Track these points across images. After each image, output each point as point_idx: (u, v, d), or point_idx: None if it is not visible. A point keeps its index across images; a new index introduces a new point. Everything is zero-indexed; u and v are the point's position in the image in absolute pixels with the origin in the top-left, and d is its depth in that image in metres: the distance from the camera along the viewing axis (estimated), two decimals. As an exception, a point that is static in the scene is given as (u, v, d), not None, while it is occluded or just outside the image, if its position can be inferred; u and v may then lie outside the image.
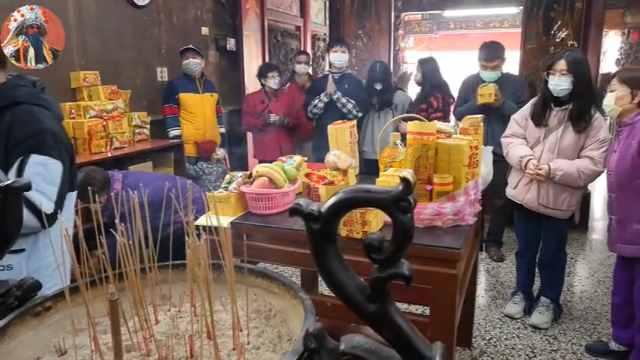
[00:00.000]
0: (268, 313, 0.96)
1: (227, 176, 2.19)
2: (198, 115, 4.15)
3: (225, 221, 1.93)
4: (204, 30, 4.71)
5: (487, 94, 3.67)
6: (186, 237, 0.83)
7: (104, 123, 3.37)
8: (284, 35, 5.80)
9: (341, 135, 2.56)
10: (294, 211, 0.67)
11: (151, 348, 0.81)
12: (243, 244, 1.00)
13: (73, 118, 3.30)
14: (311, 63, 4.92)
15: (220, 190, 2.11)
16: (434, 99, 4.15)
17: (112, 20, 3.78)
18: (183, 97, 4.07)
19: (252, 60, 5.04)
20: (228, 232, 0.82)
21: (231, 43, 4.90)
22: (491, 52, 3.81)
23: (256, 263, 1.88)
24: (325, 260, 0.67)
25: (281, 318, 0.95)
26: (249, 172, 2.19)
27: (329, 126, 2.64)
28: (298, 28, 6.09)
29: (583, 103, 2.63)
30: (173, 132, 4.06)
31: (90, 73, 3.47)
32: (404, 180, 0.61)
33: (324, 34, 6.64)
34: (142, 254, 0.88)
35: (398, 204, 0.61)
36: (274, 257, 1.97)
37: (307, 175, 2.22)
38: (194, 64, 4.04)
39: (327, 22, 6.64)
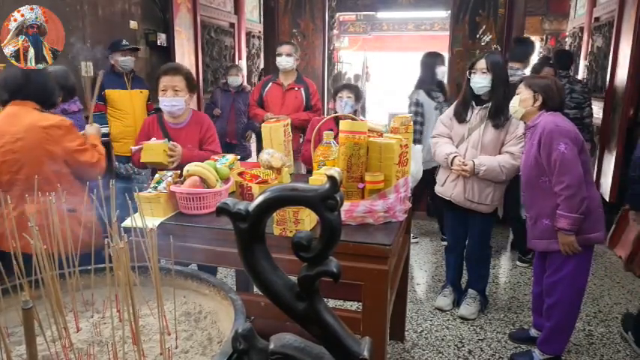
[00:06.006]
0: (198, 316, 0.94)
1: (156, 175, 2.11)
2: (127, 112, 3.99)
3: (155, 222, 1.87)
4: (133, 24, 4.51)
5: None
6: (108, 239, 0.79)
7: (22, 120, 3.15)
8: (218, 32, 5.68)
9: (275, 134, 2.55)
10: (221, 210, 0.66)
11: (70, 358, 0.77)
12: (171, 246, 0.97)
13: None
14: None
15: (149, 189, 2.03)
16: None
17: (32, 11, 3.53)
18: (110, 93, 3.90)
19: (184, 56, 4.90)
20: (153, 233, 0.79)
21: (162, 39, 4.73)
22: None
23: (188, 265, 1.83)
24: (253, 259, 0.67)
25: (212, 320, 0.93)
26: (179, 172, 2.13)
27: (263, 124, 2.62)
28: (232, 25, 5.99)
29: (500, 100, 2.81)
30: None
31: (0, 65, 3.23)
32: (330, 178, 0.62)
33: (259, 31, 6.59)
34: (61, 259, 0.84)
35: (325, 202, 0.62)
36: (207, 258, 1.93)
37: (240, 174, 2.20)
38: (129, 61, 3.91)
39: (262, 19, 6.59)
